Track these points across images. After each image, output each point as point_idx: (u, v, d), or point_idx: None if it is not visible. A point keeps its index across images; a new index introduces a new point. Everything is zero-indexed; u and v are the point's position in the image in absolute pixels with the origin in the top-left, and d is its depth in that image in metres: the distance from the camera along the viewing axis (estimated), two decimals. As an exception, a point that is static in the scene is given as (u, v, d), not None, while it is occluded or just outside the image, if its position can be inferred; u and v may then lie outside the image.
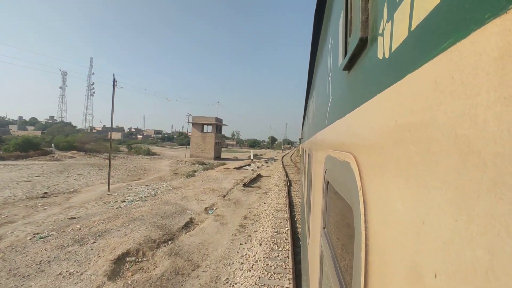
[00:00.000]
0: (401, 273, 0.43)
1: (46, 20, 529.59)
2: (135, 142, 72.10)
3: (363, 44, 0.75)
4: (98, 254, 6.73)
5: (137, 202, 12.75)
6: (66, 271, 5.90)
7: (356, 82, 0.86)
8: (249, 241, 8.30)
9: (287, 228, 9.25)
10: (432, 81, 0.36)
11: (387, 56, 0.56)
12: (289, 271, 6.30)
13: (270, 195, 15.03)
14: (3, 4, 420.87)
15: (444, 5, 0.34)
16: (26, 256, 6.64)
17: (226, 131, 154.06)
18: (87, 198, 14.13)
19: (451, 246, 0.30)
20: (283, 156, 54.66)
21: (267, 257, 7.03)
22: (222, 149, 50.66)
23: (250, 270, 6.35)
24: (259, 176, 22.13)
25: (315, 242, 2.13)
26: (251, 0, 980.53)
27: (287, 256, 7.10)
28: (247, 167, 29.88)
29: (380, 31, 0.61)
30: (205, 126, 41.70)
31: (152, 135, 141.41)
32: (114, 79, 17.42)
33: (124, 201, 13.15)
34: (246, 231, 9.19)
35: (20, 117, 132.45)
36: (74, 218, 10.30)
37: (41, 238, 8.06)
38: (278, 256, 7.14)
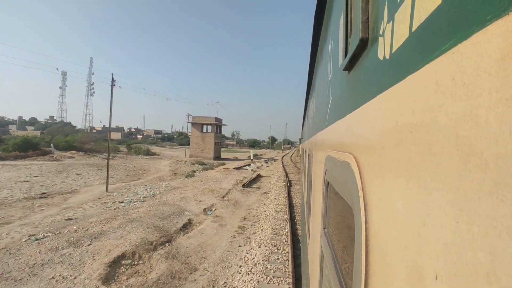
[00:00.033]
0: (401, 274, 0.43)
1: (46, 20, 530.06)
2: (135, 142, 72.01)
3: (364, 44, 0.75)
4: (93, 257, 6.58)
5: (135, 203, 12.61)
6: (60, 275, 5.75)
7: (357, 82, 0.86)
8: (248, 243, 8.15)
9: (287, 230, 9.09)
10: (433, 82, 0.36)
11: (387, 57, 0.56)
12: (289, 274, 6.14)
13: (270, 195, 14.88)
14: (3, 4, 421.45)
15: (445, 6, 0.34)
16: (20, 259, 6.49)
17: (226, 131, 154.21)
18: (85, 198, 13.99)
19: (452, 248, 0.30)
20: (283, 156, 54.50)
21: (266, 260, 6.87)
22: (222, 149, 50.55)
23: (248, 274, 6.20)
24: (258, 176, 21.99)
25: (315, 242, 2.14)
26: (251, 0, 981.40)
27: (287, 259, 6.95)
28: (247, 167, 29.73)
29: (381, 32, 0.61)
30: (204, 126, 41.56)
31: (152, 135, 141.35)
32: (113, 79, 17.28)
33: (122, 202, 13.01)
34: (245, 232, 9.03)
35: (20, 117, 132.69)
36: (71, 219, 10.16)
37: (37, 240, 7.92)
38: (278, 259, 6.98)
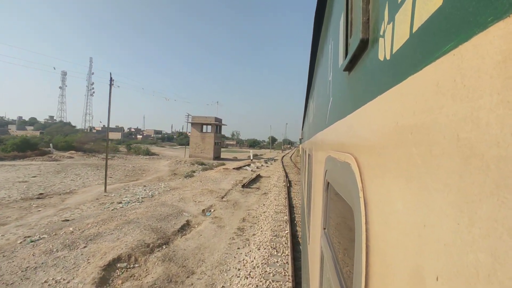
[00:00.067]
0: (402, 275, 0.43)
1: (46, 20, 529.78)
2: (135, 142, 71.81)
3: (364, 45, 0.75)
4: (88, 260, 6.42)
5: (133, 204, 12.46)
6: (53, 279, 5.60)
7: (357, 83, 0.86)
8: (247, 245, 7.99)
9: (286, 231, 8.93)
10: (434, 83, 0.36)
11: (388, 57, 0.56)
12: (288, 278, 5.98)
13: (270, 196, 14.72)
14: (3, 4, 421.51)
15: (446, 7, 0.34)
16: (13, 261, 6.34)
17: (226, 131, 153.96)
18: (83, 199, 13.83)
19: (453, 249, 0.30)
20: (283, 156, 54.30)
21: (265, 263, 6.71)
22: (222, 149, 50.39)
23: (247, 278, 6.04)
24: (258, 176, 21.84)
25: (315, 243, 2.14)
26: (251, 0, 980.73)
27: (287, 262, 6.79)
28: (247, 167, 29.57)
29: (381, 33, 0.61)
30: (204, 126, 41.39)
31: (152, 135, 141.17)
32: (111, 78, 17.14)
33: (120, 203, 12.86)
34: (244, 234, 8.88)
35: (20, 117, 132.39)
36: (68, 220, 10.00)
37: (32, 241, 7.76)
38: (277, 262, 6.82)
